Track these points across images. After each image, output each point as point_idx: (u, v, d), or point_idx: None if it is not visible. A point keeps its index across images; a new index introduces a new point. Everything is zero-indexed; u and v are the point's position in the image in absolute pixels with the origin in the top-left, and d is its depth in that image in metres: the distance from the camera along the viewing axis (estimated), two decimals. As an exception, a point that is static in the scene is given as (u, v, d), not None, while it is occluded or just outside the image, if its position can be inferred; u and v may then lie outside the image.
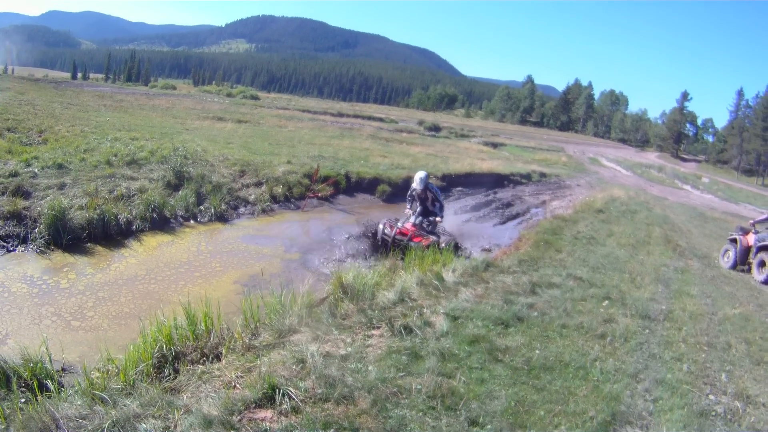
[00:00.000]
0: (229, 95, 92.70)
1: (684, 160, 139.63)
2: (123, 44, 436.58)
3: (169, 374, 7.18)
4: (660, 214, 32.32)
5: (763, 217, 20.76)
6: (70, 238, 13.36)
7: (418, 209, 16.64)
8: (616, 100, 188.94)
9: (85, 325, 9.74)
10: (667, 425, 6.92)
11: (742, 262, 19.83)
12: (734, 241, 20.43)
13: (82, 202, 14.74)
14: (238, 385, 6.64)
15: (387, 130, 56.64)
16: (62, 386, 7.00)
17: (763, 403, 7.99)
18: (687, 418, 7.20)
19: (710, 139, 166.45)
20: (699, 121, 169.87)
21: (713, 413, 7.51)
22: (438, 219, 16.56)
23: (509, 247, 17.18)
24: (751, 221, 21.42)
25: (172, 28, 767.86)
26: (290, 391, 6.33)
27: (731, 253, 20.20)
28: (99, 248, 13.55)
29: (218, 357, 7.66)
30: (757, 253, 19.13)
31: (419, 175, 16.66)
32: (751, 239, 19.73)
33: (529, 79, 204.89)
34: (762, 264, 18.57)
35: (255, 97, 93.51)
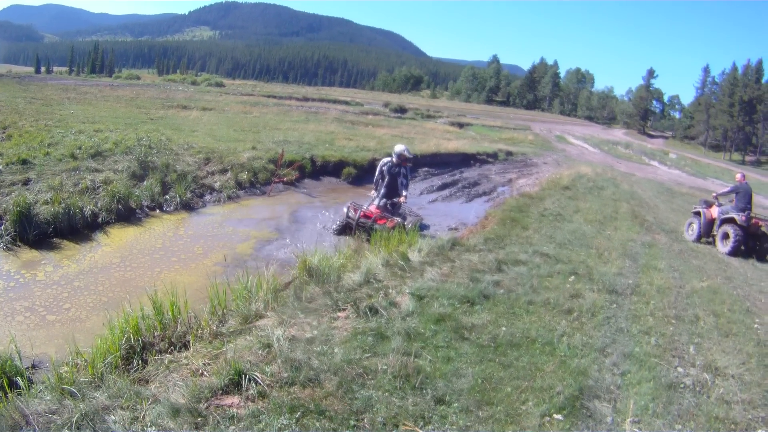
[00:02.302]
0: (193, 83, 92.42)
1: (651, 136, 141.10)
2: (86, 36, 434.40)
3: (138, 365, 7.10)
4: (627, 189, 32.43)
5: (726, 190, 20.99)
6: (36, 233, 13.13)
7: (383, 191, 16.60)
8: (582, 78, 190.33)
9: (62, 318, 9.59)
10: (636, 398, 6.86)
11: (706, 234, 20.20)
12: (698, 214, 20.77)
13: (47, 196, 14.56)
14: (205, 373, 6.57)
15: (352, 113, 56.53)
16: (32, 382, 6.92)
17: (732, 374, 7.94)
18: (655, 391, 7.14)
19: (677, 115, 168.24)
20: (665, 98, 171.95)
21: (682, 385, 7.46)
22: (402, 198, 16.49)
23: (475, 226, 17.15)
24: (714, 194, 21.60)
25: (135, 18, 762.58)
26: (256, 376, 6.27)
27: (695, 226, 20.56)
28: (66, 243, 13.37)
29: (186, 345, 7.60)
30: (720, 225, 19.50)
31: (399, 147, 16.86)
32: (714, 212, 20.05)
33: (495, 59, 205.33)
34: (725, 236, 18.94)
35: (220, 85, 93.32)
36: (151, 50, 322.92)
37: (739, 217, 18.72)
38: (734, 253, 18.42)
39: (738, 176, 19.95)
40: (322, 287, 9.67)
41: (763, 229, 18.86)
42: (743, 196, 19.31)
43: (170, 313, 8.12)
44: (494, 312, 9.27)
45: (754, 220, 18.74)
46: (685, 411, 6.78)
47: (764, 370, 8.39)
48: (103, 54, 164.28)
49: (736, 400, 7.19)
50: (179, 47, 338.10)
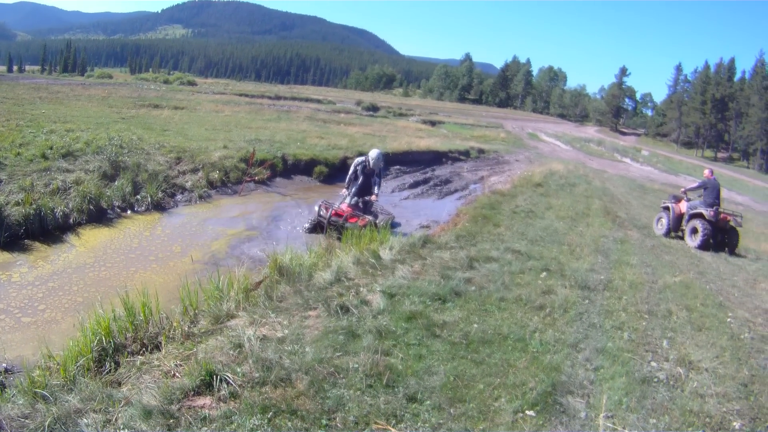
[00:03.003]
0: (165, 82, 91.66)
1: (623, 133, 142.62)
2: (59, 34, 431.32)
3: (110, 367, 7.00)
4: (599, 186, 32.65)
5: (695, 185, 21.21)
6: (7, 235, 12.86)
7: (354, 190, 16.62)
8: (555, 76, 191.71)
9: (37, 319, 9.42)
10: (609, 393, 6.84)
11: (675, 229, 20.59)
12: (667, 209, 21.13)
13: (18, 197, 14.27)
14: (177, 374, 6.49)
15: (324, 112, 56.41)
16: (4, 387, 6.84)
17: (706, 368, 7.93)
18: (629, 386, 7.13)
19: (649, 113, 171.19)
20: (638, 96, 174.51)
21: (655, 380, 7.46)
22: (374, 197, 16.49)
23: (447, 223, 17.23)
24: (683, 189, 22.06)
25: (108, 16, 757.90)
26: (228, 376, 6.21)
27: (664, 221, 20.98)
28: (38, 244, 13.10)
29: (158, 346, 7.52)
30: (689, 220, 19.88)
31: (374, 152, 16.89)
32: (683, 207, 20.49)
33: (467, 57, 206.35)
34: (694, 231, 19.33)
35: (192, 83, 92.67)
36: (124, 49, 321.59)
37: (708, 212, 19.05)
38: (703, 247, 18.73)
39: (706, 172, 20.45)
40: (293, 286, 9.59)
41: (731, 223, 19.31)
42: (711, 191, 19.64)
43: (142, 315, 8.02)
44: (466, 309, 9.23)
45: (722, 215, 19.16)
46: (659, 405, 6.76)
47: (738, 363, 8.42)
48: (76, 53, 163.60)
49: (710, 394, 7.18)
50: (152, 46, 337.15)
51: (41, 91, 42.71)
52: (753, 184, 69.77)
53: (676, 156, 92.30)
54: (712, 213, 18.99)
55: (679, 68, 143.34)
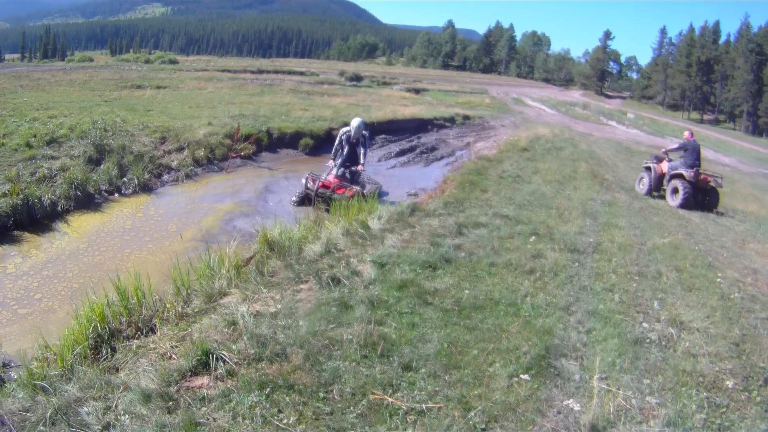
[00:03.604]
0: (147, 62, 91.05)
1: (609, 97, 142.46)
2: (37, 20, 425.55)
3: (107, 353, 7.00)
4: (586, 149, 32.66)
5: (675, 146, 21.59)
6: None
7: (340, 160, 16.61)
8: (539, 40, 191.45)
9: (34, 310, 9.38)
10: (602, 355, 6.88)
11: (656, 188, 21.14)
12: (649, 169, 21.63)
13: (5, 188, 14.08)
14: (173, 356, 6.52)
15: (308, 83, 56.16)
16: (4, 382, 6.80)
17: (697, 328, 7.98)
18: (621, 347, 7.17)
19: (634, 76, 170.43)
20: (622, 59, 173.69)
21: (647, 341, 7.50)
22: (361, 167, 16.51)
23: (435, 191, 17.19)
24: (664, 150, 22.42)
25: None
26: (224, 354, 6.24)
27: (646, 180, 21.54)
28: (28, 234, 12.94)
29: (153, 329, 7.53)
30: (670, 180, 20.33)
31: (356, 121, 16.86)
32: (664, 167, 20.96)
33: (450, 24, 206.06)
34: (675, 191, 19.85)
35: (174, 62, 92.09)
36: (104, 30, 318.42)
37: (688, 173, 19.51)
38: (684, 206, 19.21)
39: (686, 134, 20.90)
40: (284, 260, 9.62)
41: (711, 183, 19.79)
42: (692, 152, 20.02)
43: (135, 298, 8.00)
44: (456, 276, 9.27)
45: (702, 176, 19.65)
46: (652, 366, 6.80)
47: (729, 323, 8.47)
48: (55, 38, 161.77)
49: (702, 353, 7.23)
50: (131, 26, 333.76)
51: (22, 79, 42.34)
52: (739, 146, 69.84)
53: (662, 118, 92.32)
54: (692, 173, 19.44)
55: (663, 31, 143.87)
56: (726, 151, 57.68)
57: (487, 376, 6.23)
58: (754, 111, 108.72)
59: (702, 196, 19.98)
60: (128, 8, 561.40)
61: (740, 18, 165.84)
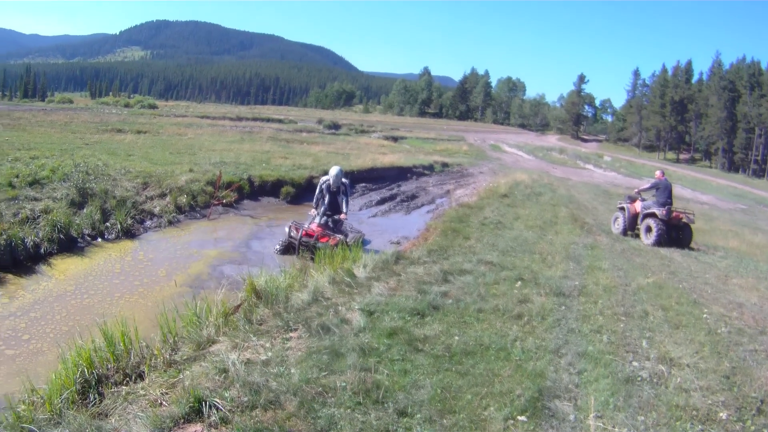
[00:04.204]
0: (126, 106, 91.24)
1: (584, 140, 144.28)
2: (18, 58, 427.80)
3: (95, 399, 6.91)
4: (565, 194, 32.95)
5: (647, 186, 22.22)
6: None
7: (323, 209, 16.72)
8: (514, 86, 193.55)
9: (22, 351, 9.33)
10: (595, 395, 6.95)
11: (631, 228, 21.62)
12: (623, 209, 22.11)
13: (-13, 228, 14.06)
14: (164, 402, 6.45)
15: (287, 131, 56.40)
16: None
17: (687, 363, 8.11)
18: (614, 386, 7.26)
19: (609, 119, 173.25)
20: (597, 102, 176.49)
21: (639, 378, 7.59)
22: (343, 215, 16.64)
23: (418, 239, 17.33)
24: (637, 190, 23.11)
25: (66, 39, 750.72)
26: (216, 402, 6.19)
27: (621, 220, 21.98)
28: (10, 276, 12.81)
29: (141, 376, 7.42)
30: (643, 219, 20.85)
31: (334, 170, 16.99)
32: (638, 206, 21.54)
33: (426, 71, 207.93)
34: (648, 229, 20.38)
35: (153, 106, 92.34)
36: (83, 72, 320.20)
37: (660, 211, 20.08)
38: (657, 243, 19.73)
39: (657, 173, 21.35)
40: (272, 308, 9.60)
41: (684, 220, 20.31)
42: (663, 191, 20.56)
43: (122, 344, 7.91)
44: (445, 322, 9.31)
45: (674, 213, 20.21)
46: (646, 402, 6.89)
47: (718, 357, 8.63)
48: (35, 77, 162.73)
49: (694, 388, 7.35)
50: (111, 68, 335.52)
51: (2, 117, 42.45)
52: (716, 183, 70.81)
53: (638, 160, 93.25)
54: (664, 212, 20.01)
55: (636, 73, 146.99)
56: (703, 190, 58.41)
57: (482, 419, 6.27)
58: (729, 148, 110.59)
59: (675, 233, 20.50)
60: (108, 50, 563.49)
61: (712, 56, 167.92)
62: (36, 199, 16.97)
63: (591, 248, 17.09)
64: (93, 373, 7.26)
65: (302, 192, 25.00)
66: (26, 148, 25.15)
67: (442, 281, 11.71)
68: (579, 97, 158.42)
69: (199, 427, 5.94)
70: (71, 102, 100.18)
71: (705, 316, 10.84)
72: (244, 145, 37.43)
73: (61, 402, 6.64)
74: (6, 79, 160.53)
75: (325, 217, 16.50)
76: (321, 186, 16.95)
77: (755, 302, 12.77)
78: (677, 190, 50.81)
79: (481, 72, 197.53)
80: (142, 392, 6.80)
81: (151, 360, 7.71)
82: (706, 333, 9.76)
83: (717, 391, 7.36)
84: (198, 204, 20.84)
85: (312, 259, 14.09)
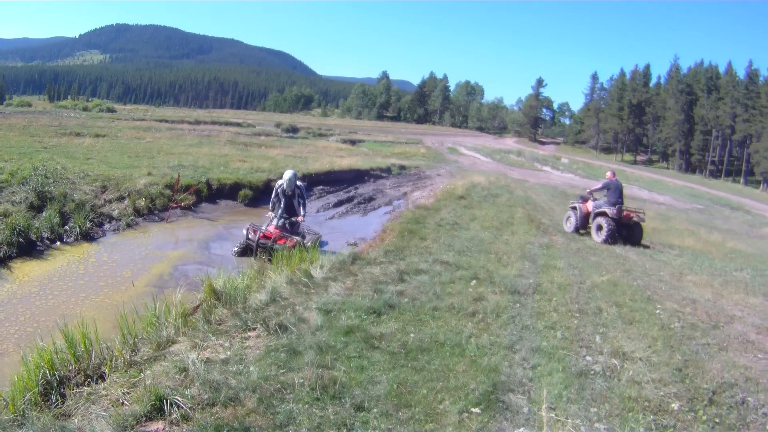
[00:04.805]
0: (85, 109, 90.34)
1: (542, 143, 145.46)
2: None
3: (57, 400, 6.94)
4: (522, 195, 33.26)
5: (599, 186, 22.64)
6: None
7: (280, 211, 16.80)
8: (472, 90, 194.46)
9: None
10: (549, 388, 7.05)
11: (582, 226, 22.24)
12: (575, 208, 22.73)
13: (-55, 233, 13.94)
14: (126, 402, 6.48)
15: (245, 135, 56.31)
16: None
17: (640, 357, 8.27)
18: (567, 380, 7.38)
19: (567, 122, 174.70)
20: (555, 106, 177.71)
21: (592, 372, 7.72)
22: (300, 218, 16.76)
23: (374, 240, 17.47)
24: (588, 190, 23.69)
25: (26, 42, 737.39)
26: (177, 400, 6.23)
27: (573, 219, 22.63)
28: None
29: (102, 377, 7.44)
30: (594, 218, 21.42)
31: (287, 174, 17.02)
32: (589, 206, 22.17)
33: (384, 75, 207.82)
34: (599, 228, 21.01)
35: (111, 110, 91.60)
36: (42, 75, 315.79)
37: (611, 211, 20.68)
38: (608, 241, 20.31)
39: (608, 174, 21.96)
40: (230, 309, 9.66)
41: (635, 219, 20.94)
42: (614, 191, 21.15)
43: (82, 346, 7.91)
44: (401, 320, 9.39)
45: (625, 212, 20.82)
46: (598, 395, 7.03)
47: (670, 350, 8.79)
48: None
49: (646, 380, 7.50)
50: (70, 72, 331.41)
51: (-41, 121, 42.05)
52: (673, 184, 71.85)
53: (595, 162, 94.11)
54: (614, 211, 20.67)
55: (594, 77, 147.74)
56: (660, 190, 59.17)
57: (437, 413, 6.36)
58: (686, 149, 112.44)
59: (626, 231, 21.09)
60: (67, 54, 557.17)
61: (670, 60, 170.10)
62: (-6, 203, 16.83)
63: (546, 248, 17.29)
64: (54, 374, 7.29)
65: (260, 195, 25.03)
66: (-17, 152, 24.94)
67: (398, 281, 11.80)
68: (537, 101, 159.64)
69: (161, 424, 5.99)
70: (30, 105, 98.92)
71: (658, 311, 11.02)
72: (203, 148, 37.32)
73: (24, 404, 6.66)
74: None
75: (282, 220, 16.57)
76: (276, 190, 17.03)
77: (709, 298, 13.00)
78: (634, 191, 51.43)
79: (439, 76, 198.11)
80: (103, 392, 6.84)
81: (111, 361, 7.71)
82: (659, 328, 9.93)
83: (669, 383, 7.51)
84: (156, 207, 20.78)
85: (270, 260, 14.20)
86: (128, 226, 18.53)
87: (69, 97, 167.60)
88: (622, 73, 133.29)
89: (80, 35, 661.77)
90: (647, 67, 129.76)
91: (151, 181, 22.42)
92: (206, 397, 6.36)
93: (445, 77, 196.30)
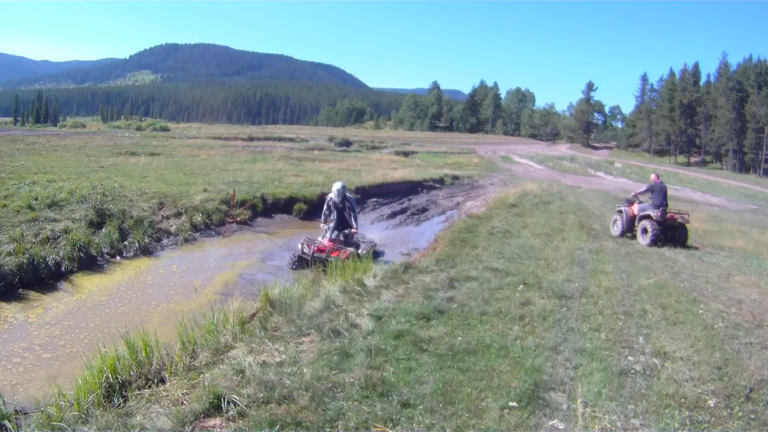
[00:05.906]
0: (138, 129, 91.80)
1: (595, 148, 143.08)
2: (29, 84, 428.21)
3: (119, 402, 7.23)
4: (573, 202, 33.06)
5: (643, 189, 22.72)
6: (2, 284, 12.99)
7: (333, 223, 17.10)
8: (523, 97, 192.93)
9: (59, 354, 9.88)
10: (589, 386, 7.21)
11: (629, 229, 22.15)
12: (621, 212, 22.64)
13: (9, 248, 14.41)
14: (185, 401, 6.76)
15: (298, 150, 56.83)
16: (20, 428, 7.06)
17: (681, 357, 8.37)
18: (607, 379, 7.50)
19: (619, 125, 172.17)
20: (606, 109, 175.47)
21: (632, 371, 7.85)
22: (353, 230, 17.00)
23: (427, 249, 17.55)
24: (634, 193, 23.78)
25: (76, 64, 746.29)
26: (234, 398, 6.50)
27: (619, 223, 22.51)
28: (33, 293, 13.24)
29: (162, 381, 7.76)
30: (640, 221, 21.36)
31: (336, 186, 17.29)
32: (635, 209, 22.03)
33: (435, 85, 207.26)
34: (644, 230, 20.99)
35: (165, 129, 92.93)
36: (94, 97, 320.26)
37: (655, 214, 20.63)
38: (653, 244, 20.28)
39: (653, 176, 22.11)
40: (286, 316, 9.89)
41: (679, 220, 20.88)
42: (658, 193, 21.16)
43: (143, 352, 8.26)
44: (449, 325, 9.57)
45: (669, 215, 20.75)
46: (637, 392, 7.16)
47: (712, 350, 8.89)
48: (47, 103, 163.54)
49: (685, 379, 7.63)
50: (122, 92, 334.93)
51: (18, 143, 42.97)
52: (727, 185, 70.45)
53: (649, 165, 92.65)
54: (659, 213, 20.67)
55: (644, 78, 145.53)
56: (714, 191, 58.25)
57: (480, 409, 6.57)
58: (740, 148, 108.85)
59: (672, 233, 21.15)
60: (119, 75, 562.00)
61: (719, 57, 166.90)
62: (55, 220, 17.44)
63: (596, 253, 17.33)
64: (117, 378, 7.65)
65: (314, 208, 25.08)
66: (43, 172, 25.66)
67: (448, 287, 11.96)
68: (588, 105, 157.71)
69: (218, 420, 6.29)
70: (84, 126, 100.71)
71: (701, 311, 11.13)
72: (257, 164, 37.80)
73: (88, 404, 7.03)
74: (18, 105, 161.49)
75: (336, 232, 16.86)
76: (328, 202, 17.40)
77: (755, 298, 13.02)
78: (688, 193, 50.81)
79: (490, 84, 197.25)
80: (164, 393, 7.15)
81: (171, 366, 8.05)
82: (703, 328, 10.01)
83: (707, 381, 7.63)
84: (213, 222, 21.27)
85: (324, 271, 14.39)
86: (186, 240, 19.04)
87: (122, 117, 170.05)
88: (672, 73, 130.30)
89: (131, 56, 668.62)
90: (696, 65, 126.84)
91: (207, 197, 22.91)
92: (261, 395, 6.66)
93: (496, 85, 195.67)
